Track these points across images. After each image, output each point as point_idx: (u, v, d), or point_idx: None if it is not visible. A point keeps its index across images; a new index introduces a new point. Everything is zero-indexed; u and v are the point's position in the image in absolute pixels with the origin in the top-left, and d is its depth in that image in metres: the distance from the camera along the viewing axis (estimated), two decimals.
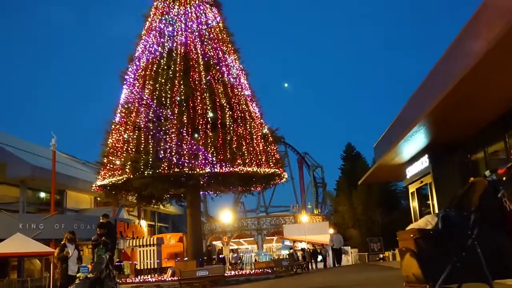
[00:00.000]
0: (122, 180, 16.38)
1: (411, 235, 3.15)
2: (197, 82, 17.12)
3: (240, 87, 18.27)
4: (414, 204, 17.33)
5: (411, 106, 14.49)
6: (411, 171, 16.44)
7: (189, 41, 18.13)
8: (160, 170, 15.57)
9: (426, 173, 14.89)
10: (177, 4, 19.14)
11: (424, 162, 14.88)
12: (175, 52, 17.88)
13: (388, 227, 25.77)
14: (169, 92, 16.88)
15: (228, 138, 16.54)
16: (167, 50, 18.02)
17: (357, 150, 40.62)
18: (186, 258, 20.20)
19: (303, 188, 56.26)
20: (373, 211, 30.22)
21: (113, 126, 17.80)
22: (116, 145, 16.92)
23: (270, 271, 17.22)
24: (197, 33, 18.45)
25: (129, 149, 16.36)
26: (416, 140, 13.19)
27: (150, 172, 15.67)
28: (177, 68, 17.35)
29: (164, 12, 19.03)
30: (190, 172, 15.71)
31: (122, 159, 16.20)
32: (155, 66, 17.72)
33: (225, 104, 17.13)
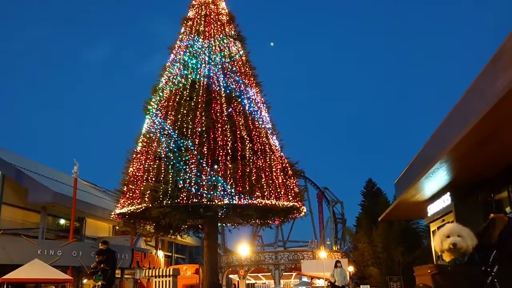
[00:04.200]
0: (141, 209, 16.42)
1: (429, 271, 3.07)
2: (218, 114, 17.26)
3: (261, 119, 18.35)
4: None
5: (433, 142, 14.34)
6: (432, 209, 16.11)
7: (212, 74, 18.40)
8: (178, 200, 15.57)
9: (448, 212, 14.57)
10: (202, 37, 19.55)
11: (446, 200, 14.59)
12: (198, 84, 18.13)
13: (409, 266, 25.09)
14: (190, 123, 17.03)
15: (248, 170, 16.51)
16: (190, 81, 18.30)
17: (378, 186, 40.20)
18: None
19: (322, 224, 55.68)
20: (394, 250, 29.56)
21: (134, 155, 17.97)
22: (136, 174, 17.05)
23: None
24: (220, 66, 18.74)
25: (149, 178, 16.45)
26: (437, 177, 12.97)
27: (169, 202, 15.68)
28: (199, 100, 17.55)
29: (189, 45, 19.43)
30: (208, 203, 15.68)
31: (142, 188, 16.28)
32: (178, 97, 17.96)
33: (245, 136, 17.18)
